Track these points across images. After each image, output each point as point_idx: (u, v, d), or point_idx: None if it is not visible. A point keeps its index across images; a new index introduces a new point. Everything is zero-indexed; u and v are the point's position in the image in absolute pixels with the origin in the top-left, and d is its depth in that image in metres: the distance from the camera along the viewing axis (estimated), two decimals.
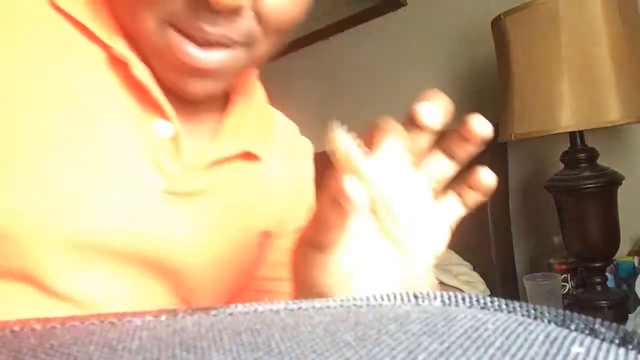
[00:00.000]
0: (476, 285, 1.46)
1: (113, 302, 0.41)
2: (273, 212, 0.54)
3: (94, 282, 0.40)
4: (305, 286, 0.37)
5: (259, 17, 0.40)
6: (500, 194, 1.54)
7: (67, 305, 0.39)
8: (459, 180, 0.38)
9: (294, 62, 2.38)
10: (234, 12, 0.38)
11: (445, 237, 0.38)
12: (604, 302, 1.20)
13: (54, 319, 0.19)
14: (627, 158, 1.42)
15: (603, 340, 0.16)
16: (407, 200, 0.34)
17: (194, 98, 0.44)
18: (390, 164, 0.33)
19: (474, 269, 1.52)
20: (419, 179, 0.36)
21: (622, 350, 0.16)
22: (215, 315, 0.20)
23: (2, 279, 0.38)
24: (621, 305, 1.20)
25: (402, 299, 0.21)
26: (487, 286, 1.48)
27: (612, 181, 1.17)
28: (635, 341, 0.16)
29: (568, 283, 1.38)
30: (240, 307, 0.20)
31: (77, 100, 0.40)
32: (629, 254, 1.36)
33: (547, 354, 0.15)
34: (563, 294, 1.35)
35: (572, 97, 1.10)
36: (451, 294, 0.21)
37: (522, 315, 0.19)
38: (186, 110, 0.45)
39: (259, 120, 0.53)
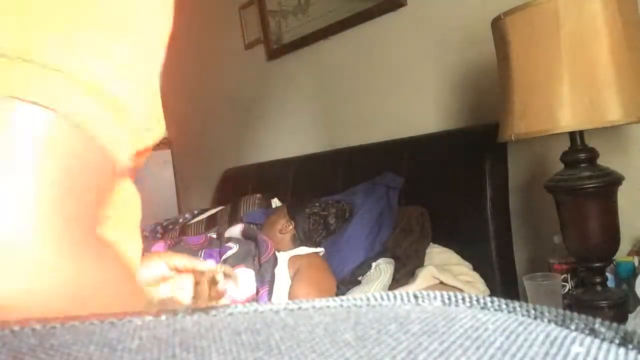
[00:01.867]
0: (476, 285, 1.46)
1: None
2: None
3: None
4: None
5: None
6: (500, 194, 1.54)
7: None
8: None
9: (294, 62, 2.38)
10: None
11: None
12: (604, 302, 1.19)
13: (54, 319, 0.19)
14: (627, 158, 1.42)
15: (603, 340, 0.16)
16: None
17: None
18: None
19: (474, 269, 1.52)
20: None
21: (622, 350, 0.16)
22: (215, 315, 0.20)
23: None
24: (621, 305, 1.20)
25: (402, 299, 0.21)
26: (487, 286, 1.48)
27: (612, 181, 1.17)
28: (635, 341, 0.16)
29: (568, 283, 1.38)
30: (240, 307, 0.20)
31: None
32: (629, 254, 1.36)
33: (547, 354, 0.15)
34: (563, 294, 1.35)
35: (572, 97, 1.10)
36: (451, 294, 0.21)
37: (522, 315, 0.19)
38: None
39: None
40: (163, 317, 0.19)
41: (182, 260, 0.81)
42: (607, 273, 1.25)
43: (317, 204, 1.70)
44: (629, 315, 1.20)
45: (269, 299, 1.37)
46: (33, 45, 0.31)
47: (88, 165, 0.34)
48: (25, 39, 0.32)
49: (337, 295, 1.45)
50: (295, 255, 1.53)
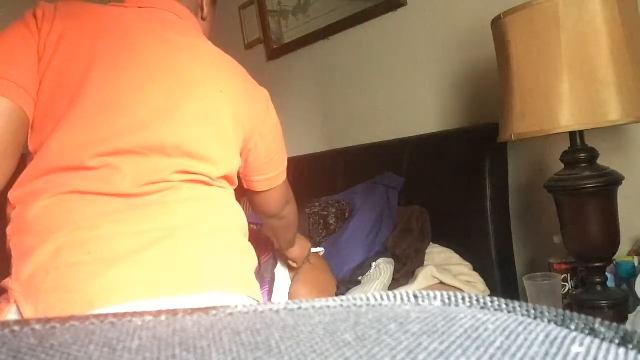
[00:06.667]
0: (476, 285, 1.46)
1: None
2: None
3: None
4: None
5: None
6: (500, 194, 1.54)
7: None
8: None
9: (294, 62, 2.38)
10: None
11: None
12: (604, 302, 1.19)
13: (54, 319, 0.19)
14: (627, 158, 1.42)
15: (603, 340, 0.16)
16: None
17: None
18: None
19: (474, 269, 1.52)
20: None
21: (622, 350, 0.16)
22: (215, 315, 0.20)
23: None
24: (621, 305, 1.20)
25: (402, 299, 0.21)
26: (487, 286, 1.48)
27: (612, 181, 1.17)
28: (635, 341, 0.16)
29: (568, 283, 1.38)
30: (240, 307, 0.20)
31: None
32: (629, 254, 1.36)
33: (547, 354, 0.15)
34: (563, 294, 1.35)
35: (572, 97, 1.10)
36: (451, 294, 0.21)
37: (522, 315, 0.19)
38: None
39: None
40: (163, 317, 0.19)
41: None
42: (607, 273, 1.25)
43: (317, 204, 1.70)
44: (629, 315, 1.20)
45: (269, 299, 1.38)
46: None
47: None
48: None
49: (337, 295, 1.45)
50: None
